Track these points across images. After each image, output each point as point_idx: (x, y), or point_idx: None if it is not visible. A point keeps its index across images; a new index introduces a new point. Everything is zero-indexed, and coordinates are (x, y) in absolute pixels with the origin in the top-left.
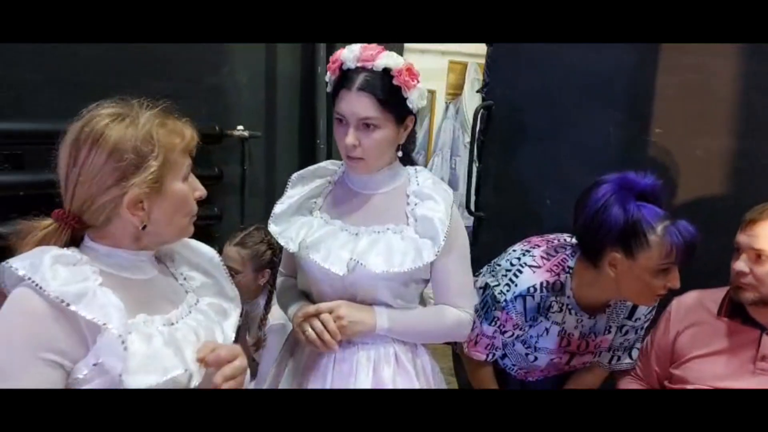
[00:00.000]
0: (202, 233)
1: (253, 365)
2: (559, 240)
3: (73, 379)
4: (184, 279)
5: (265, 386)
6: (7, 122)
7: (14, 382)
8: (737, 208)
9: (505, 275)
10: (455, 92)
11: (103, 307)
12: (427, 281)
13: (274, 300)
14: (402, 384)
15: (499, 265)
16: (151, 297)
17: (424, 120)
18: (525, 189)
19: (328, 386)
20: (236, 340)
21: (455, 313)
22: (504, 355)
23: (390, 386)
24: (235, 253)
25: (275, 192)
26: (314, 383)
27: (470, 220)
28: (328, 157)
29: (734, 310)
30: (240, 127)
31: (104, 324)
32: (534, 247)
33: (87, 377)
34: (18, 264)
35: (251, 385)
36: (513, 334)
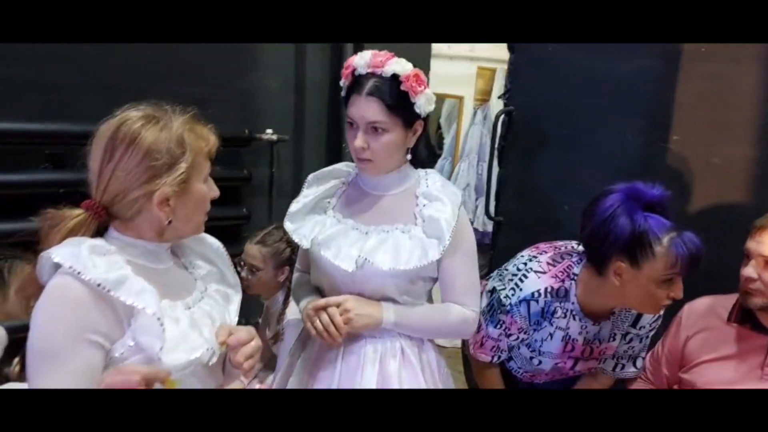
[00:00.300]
0: (231, 233)
1: (273, 359)
2: (566, 247)
3: (110, 358)
4: (193, 268)
5: (278, 377)
6: (48, 123)
7: (64, 363)
8: (753, 215)
9: (511, 280)
10: (483, 98)
11: (139, 292)
12: (434, 279)
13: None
14: (407, 377)
15: (507, 270)
16: (169, 284)
17: (451, 126)
18: (544, 194)
19: (336, 378)
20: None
21: (460, 310)
22: (510, 358)
23: (395, 379)
24: (256, 250)
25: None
26: (323, 374)
27: (490, 225)
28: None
29: (744, 316)
30: (269, 131)
31: (143, 308)
32: (541, 253)
33: (124, 356)
34: (59, 254)
35: (270, 378)
36: (518, 337)
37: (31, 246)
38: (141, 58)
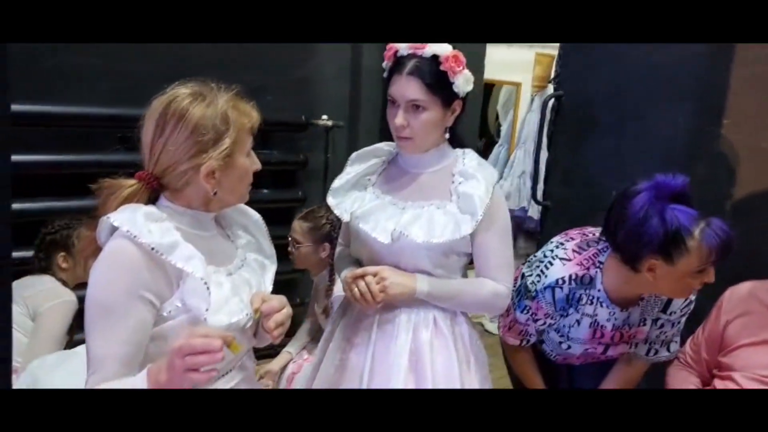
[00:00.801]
0: (287, 214)
1: (321, 332)
2: (594, 234)
3: (159, 316)
4: (234, 237)
5: (320, 342)
6: (120, 108)
7: (119, 318)
8: None
9: (538, 266)
10: (541, 84)
11: (189, 258)
12: (468, 255)
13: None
14: (438, 347)
15: (535, 256)
16: (214, 251)
17: (508, 113)
18: (592, 179)
19: (371, 345)
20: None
21: (493, 285)
22: (542, 341)
23: (427, 348)
24: (298, 225)
25: None
26: (359, 341)
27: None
28: None
29: None
30: (324, 117)
31: (192, 272)
32: (569, 240)
33: (172, 314)
34: (118, 218)
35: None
36: (545, 322)
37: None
38: (203, 47)
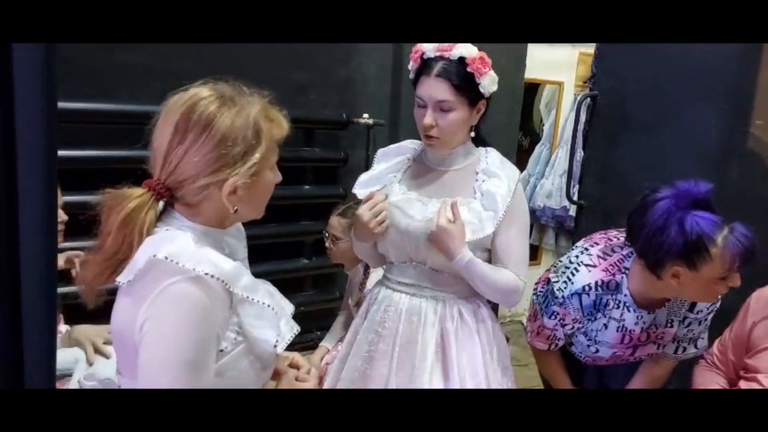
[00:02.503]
0: (328, 210)
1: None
2: (618, 239)
3: (216, 352)
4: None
5: (348, 335)
6: None
7: (202, 370)
8: None
9: (564, 272)
10: (585, 84)
11: (254, 286)
12: (488, 250)
13: (372, 269)
14: (463, 338)
15: (561, 262)
16: None
17: (550, 112)
18: (627, 178)
19: (399, 336)
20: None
21: (512, 277)
22: (571, 344)
23: (453, 338)
24: (336, 221)
25: None
26: (387, 333)
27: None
28: None
29: None
30: (365, 115)
31: (261, 301)
32: (593, 245)
33: (227, 350)
34: (167, 252)
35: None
36: (573, 327)
37: None
38: (248, 46)
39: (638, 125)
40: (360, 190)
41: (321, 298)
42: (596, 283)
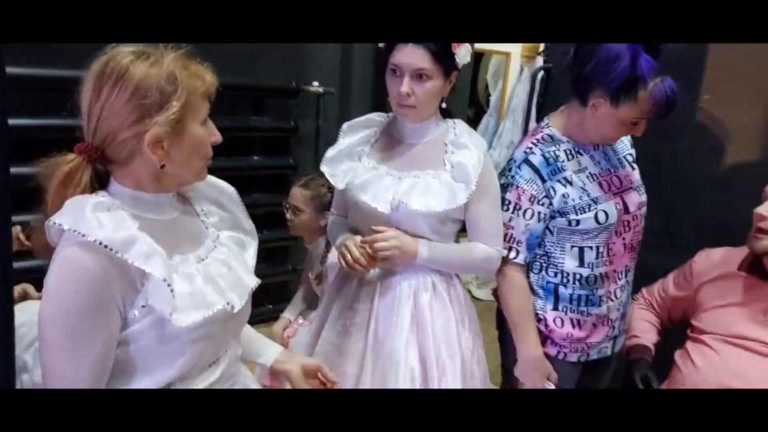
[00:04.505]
0: (278, 181)
1: (315, 298)
2: None
3: (124, 320)
4: (205, 215)
5: (319, 311)
6: None
7: (87, 337)
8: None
9: (505, 169)
10: (530, 55)
11: (148, 255)
12: (461, 221)
13: None
14: (437, 308)
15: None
16: (177, 236)
17: (497, 83)
18: None
19: (374, 310)
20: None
21: (485, 249)
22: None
23: (427, 311)
24: (299, 193)
25: None
26: (362, 307)
27: None
28: None
29: (753, 266)
30: (315, 83)
31: (151, 271)
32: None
33: (137, 317)
34: (63, 219)
35: (313, 315)
36: (533, 212)
37: None
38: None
39: None
40: (328, 167)
41: (273, 271)
42: (533, 142)
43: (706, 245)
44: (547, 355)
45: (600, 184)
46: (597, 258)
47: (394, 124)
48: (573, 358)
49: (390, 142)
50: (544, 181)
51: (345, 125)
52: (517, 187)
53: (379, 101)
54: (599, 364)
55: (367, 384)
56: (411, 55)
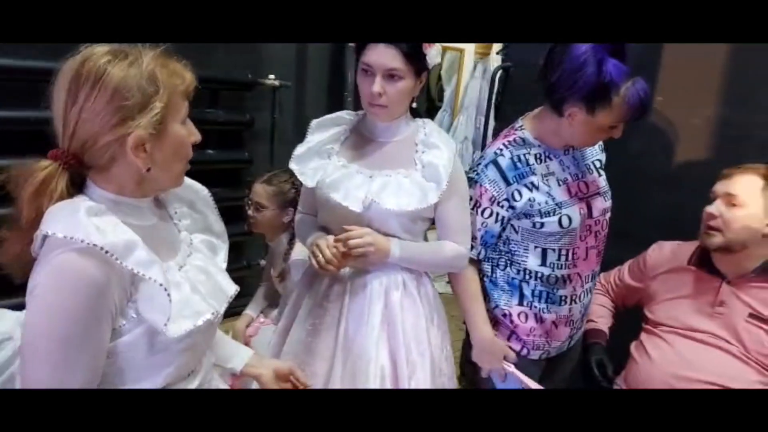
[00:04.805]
0: (233, 176)
1: (277, 295)
2: None
3: (113, 330)
4: (177, 217)
5: (286, 310)
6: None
7: (78, 348)
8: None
9: (475, 165)
10: (484, 52)
11: (149, 262)
12: (430, 220)
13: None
14: (407, 306)
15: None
16: (159, 243)
17: (451, 79)
18: None
19: (345, 308)
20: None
21: (454, 247)
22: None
23: (398, 308)
24: (262, 189)
25: (303, 139)
26: (333, 306)
27: None
28: (355, 108)
29: (702, 261)
30: (271, 76)
31: (153, 278)
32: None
33: (126, 327)
34: (56, 228)
35: (274, 313)
36: (492, 212)
37: None
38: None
39: None
40: (297, 165)
41: (228, 267)
42: (504, 144)
43: (658, 239)
44: (510, 350)
45: (566, 189)
46: (559, 260)
47: (363, 122)
48: (535, 355)
49: (360, 141)
50: (508, 184)
51: (314, 122)
52: (481, 185)
53: (335, 94)
54: (559, 356)
55: (337, 383)
56: (383, 55)
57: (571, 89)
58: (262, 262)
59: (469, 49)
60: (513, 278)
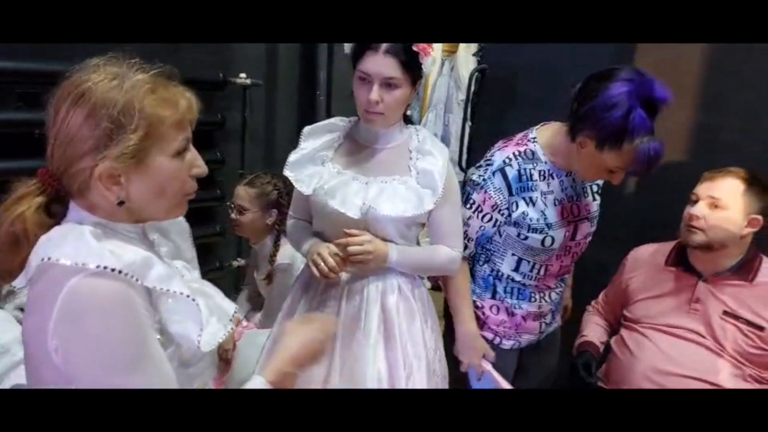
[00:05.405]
0: (206, 176)
1: (261, 299)
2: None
3: None
4: (157, 245)
5: (280, 316)
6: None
7: (155, 366)
8: (697, 176)
9: (480, 165)
10: (451, 50)
11: (168, 276)
12: (423, 225)
13: (282, 240)
14: (404, 310)
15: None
16: None
17: None
18: None
19: (341, 313)
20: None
21: (448, 251)
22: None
23: (394, 311)
24: (244, 192)
25: (275, 139)
26: (329, 311)
27: (461, 175)
28: (327, 107)
29: (678, 260)
30: (242, 75)
31: (175, 292)
32: (498, 143)
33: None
34: (59, 253)
35: (256, 318)
36: (492, 217)
37: None
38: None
39: (524, 98)
40: (292, 172)
41: (201, 269)
42: (514, 154)
43: (635, 241)
44: (483, 339)
45: (560, 210)
46: (531, 271)
47: (357, 129)
48: (507, 345)
49: (354, 147)
50: (511, 194)
51: (306, 129)
52: (485, 191)
53: (307, 93)
54: (533, 348)
55: (334, 387)
56: (381, 64)
57: (594, 122)
58: (235, 263)
59: (437, 47)
60: (488, 275)
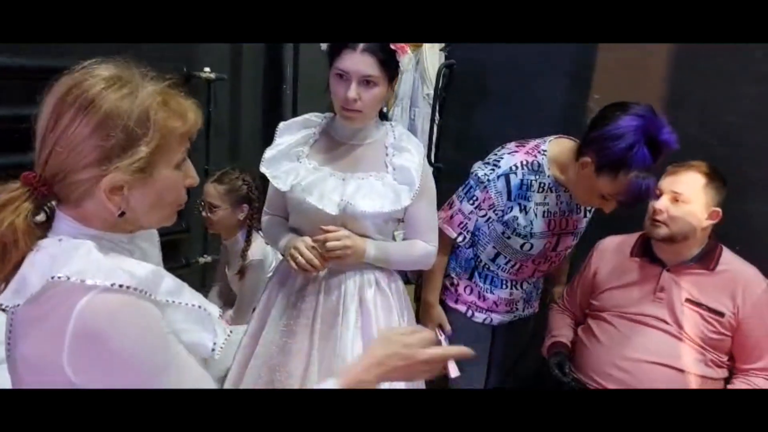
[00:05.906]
0: None
1: (231, 296)
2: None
3: None
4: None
5: (257, 311)
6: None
7: (179, 365)
8: (662, 168)
9: (489, 163)
10: (416, 45)
11: (179, 288)
12: (400, 220)
13: (254, 236)
14: (381, 304)
15: (488, 158)
16: None
17: None
18: (482, 144)
19: (319, 307)
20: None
21: (424, 245)
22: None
23: (372, 305)
24: (213, 189)
25: (240, 133)
26: (307, 306)
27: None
28: (294, 102)
29: (643, 251)
30: (206, 69)
31: (187, 304)
32: (508, 144)
33: None
34: (66, 271)
35: (228, 314)
36: (487, 215)
37: None
38: None
39: (492, 94)
40: (268, 168)
41: (167, 266)
42: (522, 163)
43: (600, 233)
44: (457, 311)
45: (548, 223)
46: (506, 265)
47: (332, 125)
48: (479, 319)
49: (330, 144)
50: (509, 199)
51: (281, 125)
52: (488, 192)
53: (272, 88)
54: (505, 327)
55: (313, 383)
56: (360, 63)
57: (599, 147)
58: (202, 260)
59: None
60: (471, 258)
